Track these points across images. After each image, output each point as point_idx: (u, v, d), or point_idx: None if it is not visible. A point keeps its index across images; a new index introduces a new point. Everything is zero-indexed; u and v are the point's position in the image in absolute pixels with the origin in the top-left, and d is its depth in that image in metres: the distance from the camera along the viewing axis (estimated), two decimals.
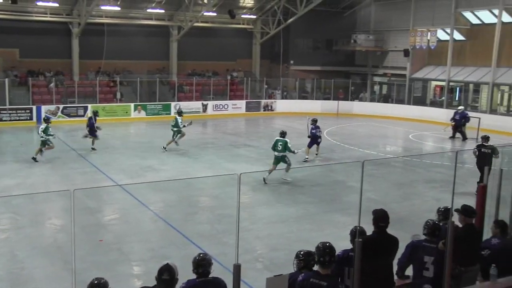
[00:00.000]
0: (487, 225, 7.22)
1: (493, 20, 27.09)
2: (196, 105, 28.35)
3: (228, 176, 13.92)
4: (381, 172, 15.47)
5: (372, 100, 32.54)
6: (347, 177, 14.50)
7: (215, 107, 28.93)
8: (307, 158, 16.63)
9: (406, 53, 30.82)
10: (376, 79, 34.58)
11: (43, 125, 15.99)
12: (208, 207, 11.84)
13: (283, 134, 14.08)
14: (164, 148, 17.69)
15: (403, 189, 13.52)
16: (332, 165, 15.64)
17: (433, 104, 30.68)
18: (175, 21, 30.40)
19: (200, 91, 29.84)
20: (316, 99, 32.18)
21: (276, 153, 13.86)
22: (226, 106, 29.29)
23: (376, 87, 33.76)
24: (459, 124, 22.23)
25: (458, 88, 30.94)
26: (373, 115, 29.62)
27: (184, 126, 17.75)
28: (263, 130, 24.86)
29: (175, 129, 17.98)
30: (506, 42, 26.74)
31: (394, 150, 20.85)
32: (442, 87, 30.83)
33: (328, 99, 32.34)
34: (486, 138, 14.76)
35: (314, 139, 16.76)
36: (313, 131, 16.84)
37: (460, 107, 23.20)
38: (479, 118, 22.62)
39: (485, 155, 13.00)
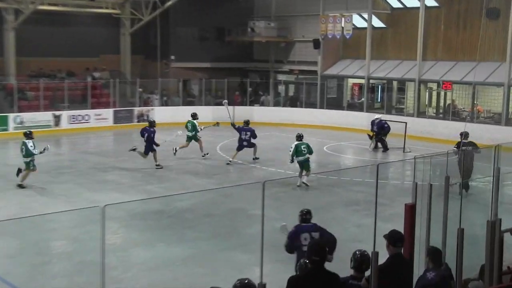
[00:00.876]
0: (420, 252, 7.61)
1: (416, 3, 29.24)
2: (45, 116, 27.18)
3: (89, 209, 13.42)
4: (290, 195, 15.87)
5: (276, 104, 33.48)
6: (248, 203, 14.65)
7: (72, 118, 28.03)
8: (230, 162, 20.05)
9: (316, 44, 32.18)
10: (281, 77, 35.71)
11: (29, 141, 16.19)
12: (65, 253, 11.43)
13: (301, 137, 17.36)
14: (205, 156, 21.20)
15: (319, 215, 13.91)
16: (227, 189, 15.74)
17: (351, 107, 32.33)
18: (9, 2, 28.89)
19: (50, 98, 28.60)
20: (205, 104, 32.41)
21: (301, 158, 16.99)
22: (87, 117, 28.48)
23: (281, 88, 34.83)
24: (378, 134, 23.66)
25: (380, 87, 32.91)
26: (278, 123, 30.46)
27: (201, 129, 21.32)
28: (141, 148, 24.64)
29: (191, 134, 21.29)
30: (431, 31, 29.02)
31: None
32: (361, 86, 32.59)
33: (221, 104, 32.62)
34: (465, 135, 15.96)
35: (240, 142, 20.15)
36: (242, 132, 20.33)
37: (376, 116, 24.65)
38: (405, 123, 24.16)
39: (466, 154, 13.81)
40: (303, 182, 16.88)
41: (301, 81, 33.70)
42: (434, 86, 29.70)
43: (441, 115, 29.16)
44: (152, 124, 20.05)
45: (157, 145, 19.53)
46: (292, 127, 29.90)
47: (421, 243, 8.87)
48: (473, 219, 12.95)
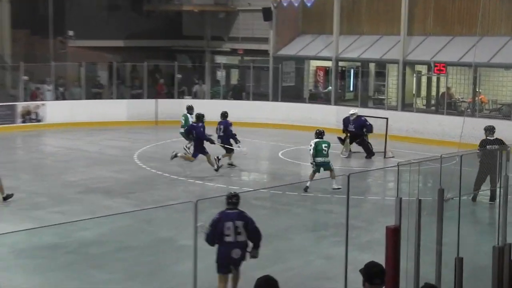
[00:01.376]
0: None
1: None
2: None
3: None
4: None
5: (214, 95, 33.50)
6: (177, 230, 14.61)
7: None
8: (232, 164, 21.71)
9: (266, 14, 32.38)
10: (220, 59, 35.77)
11: None
12: None
13: (321, 134, 18.79)
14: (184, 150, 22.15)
15: (274, 244, 13.99)
16: (149, 212, 15.66)
17: (315, 98, 32.68)
18: None
19: None
20: (118, 97, 32.18)
21: (320, 159, 18.39)
22: None
23: (220, 74, 34.88)
24: (357, 134, 23.80)
25: (352, 71, 33.30)
26: (217, 120, 30.30)
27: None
28: (27, 159, 24.28)
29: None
30: None
31: (255, 179, 21.57)
32: (327, 70, 32.96)
33: (140, 96, 32.53)
34: (490, 130, 16.30)
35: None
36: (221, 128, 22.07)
37: (352, 111, 24.62)
38: (386, 118, 24.56)
39: (491, 156, 14.05)
40: (334, 188, 18.19)
41: (247, 65, 33.88)
42: (424, 69, 30.25)
43: (433, 108, 29.74)
44: (199, 118, 21.09)
45: (212, 142, 20.96)
46: (237, 127, 30.04)
47: (408, 278, 9.07)
48: (476, 245, 13.31)
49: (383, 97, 31.18)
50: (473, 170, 15.67)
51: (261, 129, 29.39)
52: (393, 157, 23.34)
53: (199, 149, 20.72)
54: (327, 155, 18.48)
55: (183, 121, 23.79)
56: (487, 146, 16.34)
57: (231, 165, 21.78)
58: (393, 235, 8.35)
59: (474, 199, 16.63)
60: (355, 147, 24.12)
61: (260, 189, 17.40)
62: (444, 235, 9.27)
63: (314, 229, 15.46)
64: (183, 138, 23.17)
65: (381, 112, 26.82)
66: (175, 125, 30.58)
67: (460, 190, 10.16)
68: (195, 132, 20.91)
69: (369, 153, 23.64)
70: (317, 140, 18.63)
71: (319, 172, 18.50)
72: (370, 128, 23.94)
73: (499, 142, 16.82)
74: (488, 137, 17.06)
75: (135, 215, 15.05)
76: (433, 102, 30.31)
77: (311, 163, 18.69)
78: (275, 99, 31.96)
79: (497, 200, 13.39)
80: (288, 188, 18.55)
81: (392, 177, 20.03)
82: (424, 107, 30.15)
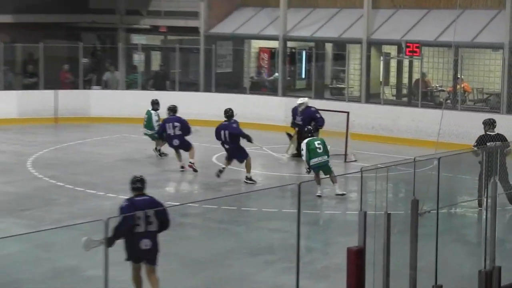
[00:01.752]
0: None
1: None
2: None
3: None
4: (161, 239, 15.78)
5: (131, 85, 33.31)
6: (84, 257, 14.43)
7: None
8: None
9: None
10: (138, 39, 35.57)
11: None
12: None
13: (312, 131, 20.12)
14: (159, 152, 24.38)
15: (206, 272, 13.96)
16: (48, 235, 15.45)
17: (257, 88, 32.81)
18: None
19: None
20: (5, 88, 31.80)
21: (315, 160, 19.30)
22: None
23: (138, 58, 34.65)
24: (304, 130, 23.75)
25: (304, 53, 33.40)
26: (133, 117, 30.23)
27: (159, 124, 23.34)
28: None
29: (149, 132, 24.60)
30: None
31: (183, 190, 21.73)
32: (273, 52, 33.00)
33: (34, 87, 32.17)
34: (491, 124, 17.09)
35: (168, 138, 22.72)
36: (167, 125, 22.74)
37: (300, 101, 24.73)
38: (347, 112, 24.70)
39: (494, 154, 14.07)
40: (338, 194, 19.21)
41: (172, 46, 33.81)
42: (393, 50, 30.55)
43: (404, 99, 30.05)
44: (229, 114, 21.64)
45: (249, 139, 21.42)
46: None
47: None
48: (458, 269, 13.44)
49: (343, 86, 31.42)
50: (454, 176, 15.89)
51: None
52: (355, 160, 23.60)
53: (237, 152, 21.25)
54: (324, 153, 19.33)
55: (145, 120, 24.57)
56: (488, 143, 16.52)
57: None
58: (356, 259, 8.40)
59: (480, 204, 16.79)
60: None
61: (189, 203, 17.35)
62: (419, 257, 9.35)
63: (257, 253, 15.41)
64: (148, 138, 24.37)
65: (340, 105, 27.01)
66: (80, 123, 30.42)
67: (438, 201, 10.26)
68: (227, 133, 21.19)
69: None
70: (308, 139, 19.55)
71: (318, 175, 19.43)
72: (321, 122, 23.74)
73: (501, 138, 17.14)
74: (488, 132, 17.49)
75: (29, 239, 14.84)
76: (404, 91, 30.60)
77: (306, 169, 19.64)
78: (207, 89, 32.00)
79: (484, 213, 13.52)
80: (225, 201, 18.51)
81: (355, 186, 20.16)
82: (394, 98, 30.46)
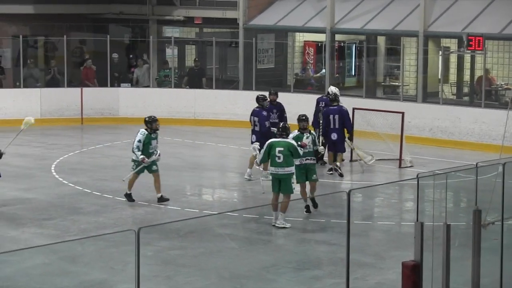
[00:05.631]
0: None
1: None
2: None
3: None
4: (197, 252, 15.98)
5: (162, 83, 33.35)
6: (114, 270, 14.58)
7: None
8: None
9: None
10: (170, 31, 35.61)
11: None
12: None
13: (285, 130, 18.00)
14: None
15: (249, 285, 14.03)
16: (76, 244, 15.62)
17: (302, 85, 32.80)
18: None
19: None
20: (27, 85, 32.03)
21: (272, 170, 17.75)
22: None
23: (171, 51, 34.71)
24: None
25: (354, 47, 33.33)
26: (165, 117, 30.30)
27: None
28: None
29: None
30: None
31: (222, 199, 21.69)
32: (319, 46, 33.05)
33: (58, 84, 32.51)
34: None
35: None
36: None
37: (331, 89, 23.81)
38: (402, 113, 24.64)
39: None
40: (276, 225, 17.55)
41: (208, 39, 33.84)
42: (453, 44, 30.36)
43: (466, 98, 29.87)
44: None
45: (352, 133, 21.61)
46: (190, 125, 30.04)
47: None
48: None
49: (397, 84, 31.32)
50: None
51: (229, 129, 29.40)
52: (411, 166, 23.53)
53: (342, 141, 21.93)
54: (284, 164, 17.55)
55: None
56: None
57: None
58: (412, 274, 8.43)
59: None
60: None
61: (228, 212, 17.41)
62: (482, 274, 9.35)
63: (303, 267, 15.44)
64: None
65: (394, 105, 26.96)
66: (107, 124, 30.50)
67: (503, 211, 10.24)
68: (338, 118, 21.71)
69: (339, 173, 22.53)
70: (272, 140, 18.14)
71: (277, 192, 17.90)
72: (349, 126, 23.10)
73: None
74: None
75: (53, 251, 15.01)
76: (466, 90, 30.46)
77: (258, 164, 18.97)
78: (247, 87, 32.06)
79: None
80: (268, 210, 18.54)
81: (411, 195, 20.15)
82: (454, 97, 30.31)
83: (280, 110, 23.45)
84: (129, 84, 32.96)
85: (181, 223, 17.16)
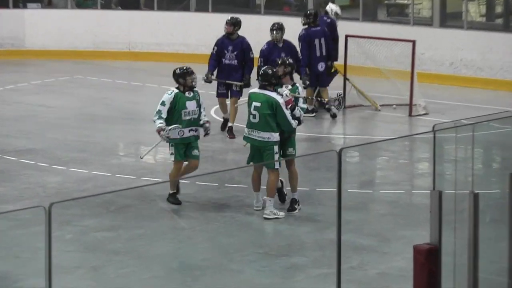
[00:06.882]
0: None
1: None
2: None
3: None
4: (135, 235, 16.01)
5: (83, 3, 33.41)
6: (20, 260, 14.64)
7: None
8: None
9: None
10: None
11: None
12: None
13: (264, 78, 17.30)
14: None
15: (201, 281, 14.11)
16: None
17: (275, 5, 32.76)
18: None
19: None
20: None
21: (247, 131, 17.36)
22: None
23: None
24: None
25: None
26: (87, 50, 30.47)
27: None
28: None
29: None
30: None
31: (153, 164, 21.80)
32: None
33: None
34: None
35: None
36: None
37: (330, 7, 25.19)
38: (413, 41, 24.78)
39: None
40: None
41: None
42: None
43: (499, 21, 30.07)
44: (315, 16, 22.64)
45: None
46: (123, 60, 30.30)
47: None
48: None
49: (406, 2, 31.53)
50: None
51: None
52: (425, 114, 23.74)
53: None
54: (260, 127, 17.03)
55: None
56: None
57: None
58: (428, 261, 8.47)
59: None
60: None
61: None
62: None
63: (279, 253, 15.53)
64: None
65: (402, 30, 27.13)
66: (10, 58, 30.60)
67: None
68: (324, 41, 22.22)
69: (322, 106, 23.54)
70: (252, 91, 17.86)
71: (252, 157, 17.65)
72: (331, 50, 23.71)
73: None
74: None
75: None
76: (499, 10, 30.61)
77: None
78: (201, 7, 32.18)
79: None
80: (231, 175, 18.63)
81: (425, 153, 20.29)
82: (483, 19, 30.48)
83: (242, 49, 23.19)
84: (39, 4, 32.90)
85: (111, 195, 17.22)
